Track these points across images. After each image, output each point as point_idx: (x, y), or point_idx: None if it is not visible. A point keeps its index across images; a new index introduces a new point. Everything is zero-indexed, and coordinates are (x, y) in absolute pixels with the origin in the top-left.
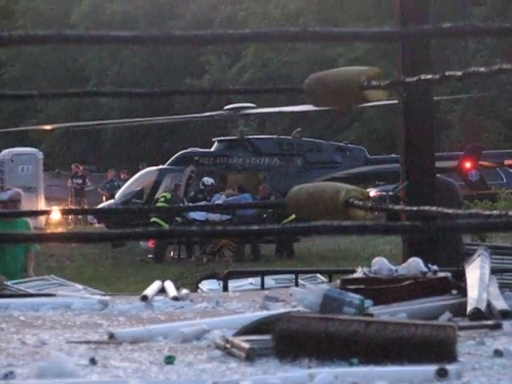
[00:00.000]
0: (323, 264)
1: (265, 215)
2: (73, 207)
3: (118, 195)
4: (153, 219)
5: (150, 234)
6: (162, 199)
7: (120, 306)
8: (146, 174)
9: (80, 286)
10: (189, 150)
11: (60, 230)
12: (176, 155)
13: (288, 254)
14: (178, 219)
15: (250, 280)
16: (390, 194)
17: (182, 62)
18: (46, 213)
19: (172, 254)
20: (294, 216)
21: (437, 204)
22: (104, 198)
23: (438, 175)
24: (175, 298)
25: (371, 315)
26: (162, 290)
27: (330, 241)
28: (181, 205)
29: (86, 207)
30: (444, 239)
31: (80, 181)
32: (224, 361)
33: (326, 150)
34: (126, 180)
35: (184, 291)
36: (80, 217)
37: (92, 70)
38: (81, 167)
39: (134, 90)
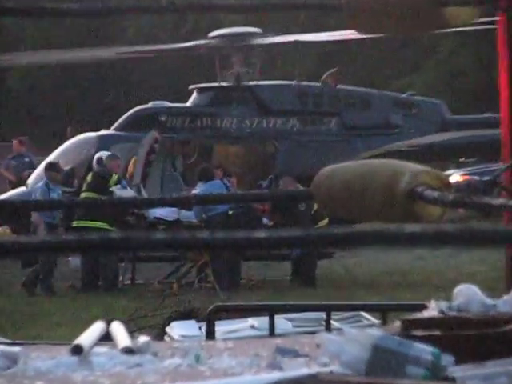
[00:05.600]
0: (371, 294)
1: (230, 212)
2: None
3: (32, 179)
4: (77, 223)
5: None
6: (85, 184)
7: (37, 363)
8: (77, 144)
9: None
10: (149, 104)
11: None
12: (128, 113)
13: (307, 279)
14: (130, 219)
15: (251, 321)
16: (486, 179)
17: None
18: None
19: (121, 277)
20: (326, 220)
21: None
22: (8, 182)
23: None
24: (128, 350)
25: (453, 380)
26: (107, 337)
27: (383, 256)
28: (135, 195)
29: None
30: None
31: None
32: None
33: (378, 105)
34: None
35: (142, 338)
36: None
37: None
38: None
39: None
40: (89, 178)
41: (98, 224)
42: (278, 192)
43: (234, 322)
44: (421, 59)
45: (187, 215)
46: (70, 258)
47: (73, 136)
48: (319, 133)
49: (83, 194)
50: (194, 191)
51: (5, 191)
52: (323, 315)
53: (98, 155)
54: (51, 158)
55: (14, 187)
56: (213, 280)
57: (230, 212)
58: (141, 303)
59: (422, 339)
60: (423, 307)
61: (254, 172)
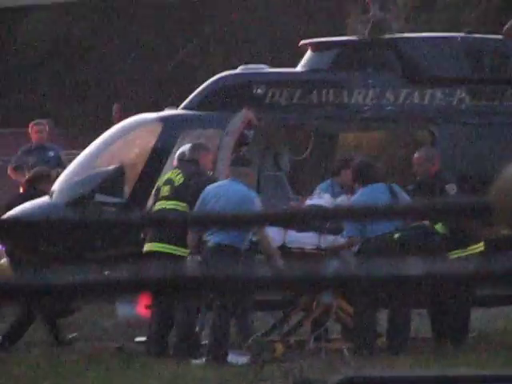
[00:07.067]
0: None
1: (399, 235)
2: None
3: (59, 183)
4: (149, 247)
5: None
6: (166, 188)
7: None
8: (129, 131)
9: None
10: (238, 69)
11: None
12: (206, 84)
13: (456, 335)
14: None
15: None
16: None
17: None
18: None
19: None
20: (481, 245)
21: None
22: (21, 188)
23: None
24: None
25: None
26: None
27: None
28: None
29: None
30: None
31: None
32: None
33: None
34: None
35: None
36: None
37: None
38: None
39: None
40: (176, 178)
41: (168, 248)
42: (434, 203)
43: None
44: None
45: (298, 238)
46: (119, 306)
47: (121, 118)
48: (501, 112)
49: (164, 204)
50: (312, 201)
51: (15, 203)
52: None
53: (181, 150)
54: (88, 152)
55: (28, 197)
56: (340, 338)
57: (396, 235)
58: (226, 373)
59: None
60: None
61: (398, 171)
